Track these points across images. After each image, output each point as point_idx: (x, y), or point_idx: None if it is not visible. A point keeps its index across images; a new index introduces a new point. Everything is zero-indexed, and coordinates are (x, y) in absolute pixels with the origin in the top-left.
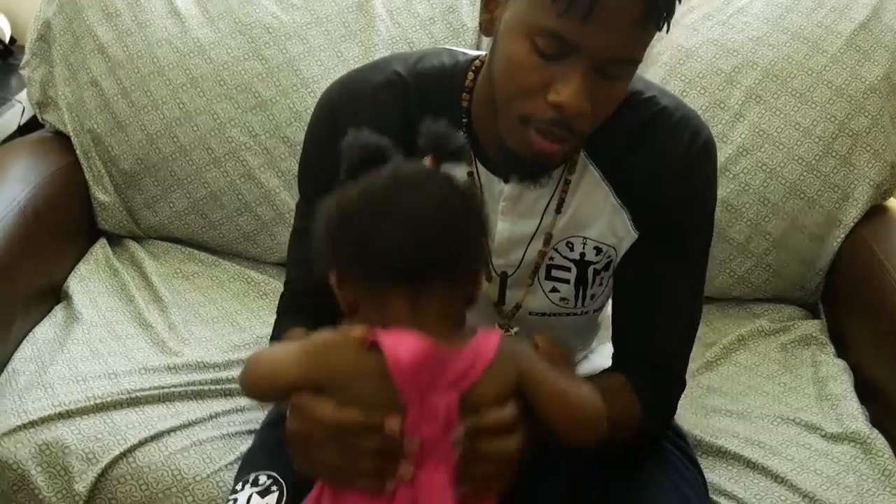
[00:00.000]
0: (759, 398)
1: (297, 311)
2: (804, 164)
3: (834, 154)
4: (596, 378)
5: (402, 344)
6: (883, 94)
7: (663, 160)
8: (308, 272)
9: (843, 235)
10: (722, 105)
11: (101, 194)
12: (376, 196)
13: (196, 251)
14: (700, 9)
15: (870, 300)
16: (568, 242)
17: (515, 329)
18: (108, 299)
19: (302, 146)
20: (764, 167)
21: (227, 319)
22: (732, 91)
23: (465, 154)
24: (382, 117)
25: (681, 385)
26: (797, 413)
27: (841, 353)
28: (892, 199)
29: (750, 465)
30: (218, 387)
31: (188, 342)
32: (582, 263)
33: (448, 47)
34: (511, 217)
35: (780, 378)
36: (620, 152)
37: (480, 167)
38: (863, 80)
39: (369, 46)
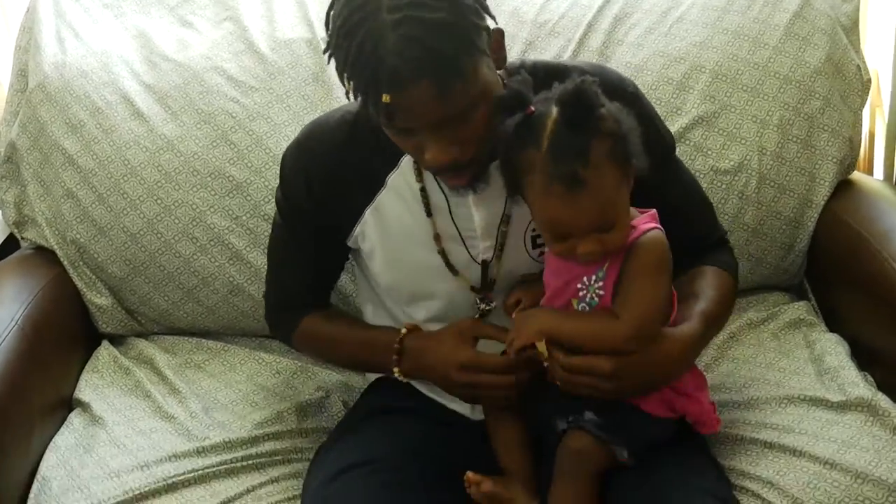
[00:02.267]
0: (762, 387)
1: (301, 310)
2: (769, 153)
3: (794, 139)
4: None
5: None
6: (828, 74)
7: None
8: (304, 275)
9: (816, 215)
10: (679, 111)
11: (97, 298)
12: None
13: (203, 340)
14: (640, 24)
15: (854, 271)
16: None
17: (494, 303)
18: (124, 399)
19: (282, 180)
20: (731, 163)
21: (245, 401)
22: (686, 97)
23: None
24: (345, 147)
25: (725, 238)
26: (802, 392)
27: (834, 327)
28: (855, 172)
29: (766, 445)
30: (249, 462)
31: (212, 427)
32: None
33: None
34: (482, 205)
35: (778, 364)
36: None
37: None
38: (807, 65)
39: None
